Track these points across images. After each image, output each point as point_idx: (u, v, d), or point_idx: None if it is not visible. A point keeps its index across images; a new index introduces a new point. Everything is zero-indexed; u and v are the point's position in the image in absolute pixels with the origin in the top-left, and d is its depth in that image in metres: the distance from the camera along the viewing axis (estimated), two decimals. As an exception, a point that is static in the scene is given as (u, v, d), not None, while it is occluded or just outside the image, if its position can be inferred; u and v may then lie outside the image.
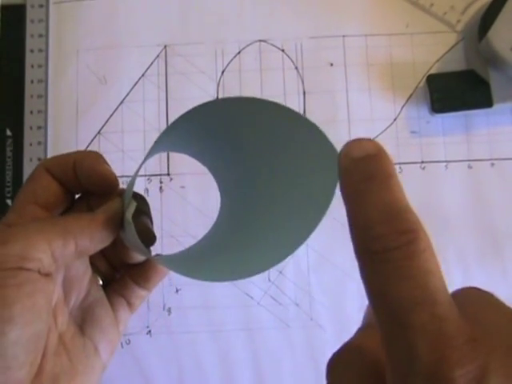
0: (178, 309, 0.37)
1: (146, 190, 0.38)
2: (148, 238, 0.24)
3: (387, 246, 0.16)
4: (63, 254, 0.20)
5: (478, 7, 0.38)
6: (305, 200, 0.23)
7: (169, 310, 0.37)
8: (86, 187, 0.23)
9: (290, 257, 0.36)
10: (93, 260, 0.24)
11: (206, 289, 0.37)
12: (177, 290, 0.37)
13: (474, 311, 0.17)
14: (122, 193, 0.23)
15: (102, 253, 0.24)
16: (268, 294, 0.37)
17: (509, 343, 0.15)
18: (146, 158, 0.21)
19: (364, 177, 0.17)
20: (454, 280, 0.36)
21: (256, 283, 0.37)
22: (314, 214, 0.22)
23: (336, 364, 0.18)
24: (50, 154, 0.38)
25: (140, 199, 0.23)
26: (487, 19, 0.35)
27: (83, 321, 0.23)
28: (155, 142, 0.20)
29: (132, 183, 0.21)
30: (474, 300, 0.18)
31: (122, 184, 0.37)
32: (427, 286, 0.15)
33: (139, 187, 0.37)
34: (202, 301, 0.36)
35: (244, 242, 0.24)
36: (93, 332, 0.23)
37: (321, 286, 0.37)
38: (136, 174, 0.20)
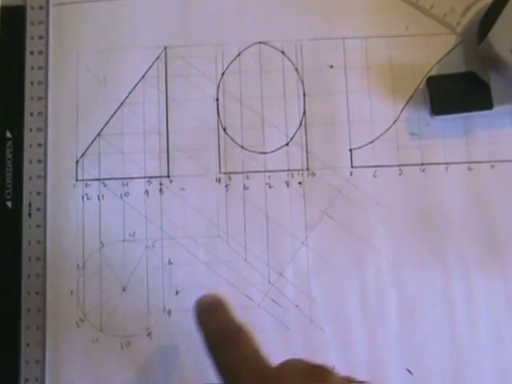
0: (178, 311, 0.37)
1: (146, 191, 0.38)
2: None
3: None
4: None
5: (478, 9, 0.38)
6: None
7: (169, 312, 0.37)
8: None
9: (289, 259, 0.36)
10: None
11: (206, 290, 0.37)
12: (177, 292, 0.37)
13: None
14: None
15: None
16: (268, 296, 0.37)
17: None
18: None
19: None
20: (453, 282, 0.36)
21: (256, 285, 0.37)
22: None
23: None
24: (50, 156, 0.38)
25: None
26: (487, 21, 0.35)
27: None
28: None
29: None
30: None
31: (125, 186, 0.37)
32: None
33: (139, 189, 0.38)
34: (202, 303, 0.36)
35: None
36: None
37: (321, 288, 0.37)
38: None
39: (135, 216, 0.37)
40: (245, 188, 0.38)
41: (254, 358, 0.28)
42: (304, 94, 0.38)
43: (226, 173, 0.38)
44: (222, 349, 0.28)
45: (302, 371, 0.26)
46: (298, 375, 0.26)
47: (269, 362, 0.27)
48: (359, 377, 0.35)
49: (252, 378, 0.26)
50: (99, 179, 0.38)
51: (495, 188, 0.37)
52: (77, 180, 0.38)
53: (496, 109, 0.36)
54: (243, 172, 0.38)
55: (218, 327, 0.30)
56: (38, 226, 0.37)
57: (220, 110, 0.38)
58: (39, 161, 0.38)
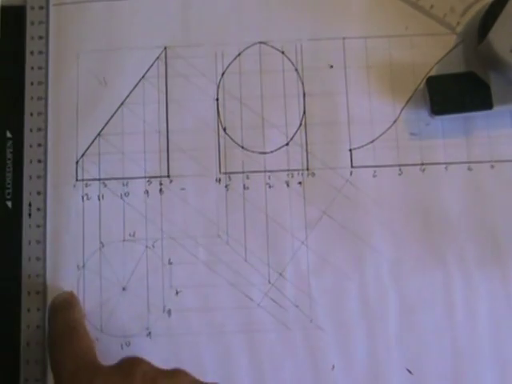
0: (177, 311, 0.37)
1: (146, 191, 0.38)
2: None
3: None
4: None
5: (477, 9, 0.38)
6: None
7: (169, 312, 0.37)
8: None
9: (289, 259, 0.36)
10: None
11: (206, 290, 0.37)
12: (177, 292, 0.37)
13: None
14: None
15: None
16: (268, 296, 0.37)
17: None
18: None
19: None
20: (453, 282, 0.36)
21: (256, 285, 0.37)
22: None
23: None
24: (50, 156, 0.38)
25: None
26: (487, 21, 0.35)
27: None
28: None
29: None
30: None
31: (125, 186, 0.38)
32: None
33: (139, 189, 0.38)
34: (202, 302, 0.37)
35: None
36: None
37: (320, 288, 0.37)
38: None
39: (135, 216, 0.37)
40: (245, 188, 0.38)
41: (80, 353, 0.31)
42: (304, 94, 0.38)
43: (226, 173, 0.38)
44: (56, 343, 0.32)
45: (115, 366, 0.30)
46: (111, 370, 0.30)
47: (95, 358, 0.31)
48: (359, 376, 0.36)
49: (71, 371, 0.30)
50: (99, 179, 0.38)
51: (495, 188, 0.37)
52: (77, 180, 0.38)
53: (496, 109, 0.36)
54: (243, 172, 0.38)
55: (59, 324, 0.33)
56: (38, 226, 0.37)
57: (220, 109, 0.38)
58: (39, 161, 0.38)
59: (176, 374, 0.30)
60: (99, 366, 0.31)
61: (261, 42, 0.39)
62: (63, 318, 0.34)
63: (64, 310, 0.35)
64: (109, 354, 0.36)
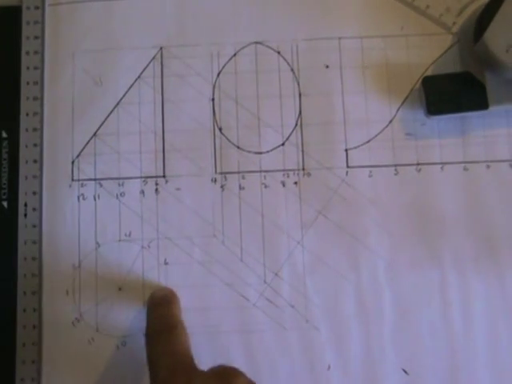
0: (173, 311, 0.37)
1: (142, 191, 0.38)
2: None
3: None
4: None
5: (473, 9, 0.38)
6: None
7: (165, 312, 0.37)
8: None
9: (285, 259, 0.36)
10: None
11: (202, 290, 0.37)
12: (172, 292, 0.37)
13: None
14: None
15: None
16: (264, 296, 0.37)
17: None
18: None
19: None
20: (449, 282, 0.36)
21: (252, 285, 0.37)
22: None
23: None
24: (45, 156, 0.38)
25: None
26: (483, 21, 0.35)
27: None
28: None
29: None
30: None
31: (120, 186, 0.38)
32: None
33: (134, 189, 0.38)
34: (198, 302, 0.37)
35: None
36: None
37: (316, 288, 0.37)
38: None
39: (131, 216, 0.37)
40: (240, 188, 0.38)
41: (178, 353, 0.31)
42: (300, 94, 0.38)
43: (221, 173, 0.38)
44: (154, 340, 0.32)
45: (212, 372, 0.29)
46: (208, 376, 0.29)
47: (192, 360, 0.31)
48: (355, 376, 0.36)
49: (169, 371, 0.29)
50: (95, 179, 0.38)
51: (491, 188, 0.37)
52: (72, 180, 0.38)
53: (491, 109, 0.36)
54: (239, 172, 0.38)
55: (158, 320, 0.33)
56: (33, 226, 0.37)
57: (216, 109, 0.38)
58: (35, 161, 0.38)
59: None
60: (196, 369, 0.30)
61: (256, 42, 0.39)
62: (163, 313, 0.34)
63: (164, 306, 0.34)
64: (105, 353, 0.36)
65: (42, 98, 0.38)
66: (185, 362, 0.30)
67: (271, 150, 0.38)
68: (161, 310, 0.34)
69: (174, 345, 0.31)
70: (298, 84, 0.38)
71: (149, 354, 0.31)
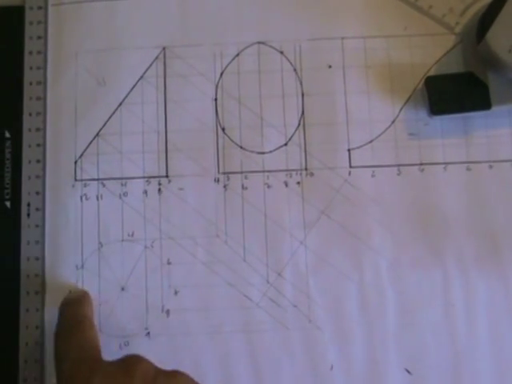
0: (176, 310, 0.37)
1: (145, 191, 0.38)
2: None
3: None
4: None
5: (476, 9, 0.38)
6: None
7: (167, 312, 0.37)
8: None
9: (288, 259, 0.36)
10: None
11: (205, 290, 0.37)
12: (175, 292, 0.37)
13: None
14: None
15: None
16: (266, 296, 0.37)
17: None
18: None
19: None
20: (452, 282, 0.36)
21: (255, 285, 0.37)
22: None
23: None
24: (48, 156, 0.38)
25: None
26: (486, 21, 0.35)
27: None
28: None
29: None
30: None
31: (123, 186, 0.38)
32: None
33: (137, 189, 0.38)
34: (201, 302, 0.37)
35: None
36: None
37: (319, 288, 0.37)
38: None
39: (134, 216, 0.37)
40: (243, 188, 0.38)
41: (83, 346, 0.31)
42: (303, 94, 0.38)
43: (224, 173, 0.38)
44: (61, 337, 0.32)
45: (116, 361, 0.30)
46: (111, 365, 0.30)
47: (99, 353, 0.31)
48: (358, 376, 0.36)
49: (73, 363, 0.30)
50: (98, 179, 0.38)
51: (493, 188, 0.37)
52: (75, 180, 0.38)
53: (494, 109, 0.36)
54: (242, 172, 0.38)
55: (66, 318, 0.33)
56: (36, 226, 0.37)
57: (219, 109, 0.38)
58: (38, 161, 0.38)
59: (176, 374, 0.30)
60: (100, 360, 0.31)
61: (259, 42, 0.39)
62: (72, 313, 0.34)
63: (74, 305, 0.35)
64: (107, 353, 0.36)
65: (45, 98, 0.38)
66: (89, 354, 0.31)
67: (274, 150, 0.38)
68: (70, 310, 0.34)
69: (80, 339, 0.32)
70: (301, 84, 0.38)
71: (55, 351, 0.32)
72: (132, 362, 0.30)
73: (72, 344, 0.31)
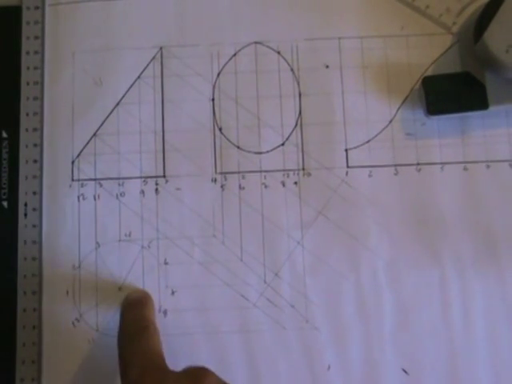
0: (173, 311, 0.37)
1: (142, 191, 0.38)
2: None
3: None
4: None
5: (473, 9, 0.38)
6: None
7: (165, 312, 0.37)
8: None
9: (285, 259, 0.36)
10: None
11: (202, 291, 0.37)
12: (172, 292, 0.37)
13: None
14: None
15: None
16: (264, 296, 0.37)
17: None
18: None
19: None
20: (449, 282, 0.36)
21: (252, 285, 0.37)
22: None
23: None
24: (46, 156, 0.38)
25: None
26: (483, 21, 0.35)
27: None
28: None
29: None
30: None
31: (120, 186, 0.38)
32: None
33: (134, 189, 0.38)
34: (198, 303, 0.37)
35: None
36: None
37: (316, 288, 0.37)
38: None
39: (131, 216, 0.37)
40: (240, 188, 0.38)
41: (149, 353, 0.31)
42: (300, 94, 0.38)
43: (221, 173, 0.38)
44: (126, 340, 0.32)
45: (184, 373, 0.30)
46: (179, 376, 0.30)
47: (163, 360, 0.31)
48: (355, 376, 0.36)
49: (140, 370, 0.30)
50: (95, 179, 0.38)
51: (490, 188, 0.37)
52: (73, 180, 0.38)
53: (491, 109, 0.36)
54: (239, 172, 0.38)
55: (131, 321, 0.33)
56: (33, 226, 0.37)
57: (216, 110, 0.38)
58: (35, 161, 0.38)
59: None
60: (167, 369, 0.30)
61: (256, 42, 0.39)
62: (136, 316, 0.34)
63: (137, 308, 0.35)
64: (105, 353, 0.36)
65: (42, 98, 0.38)
66: (156, 362, 0.31)
67: (271, 150, 0.38)
68: (134, 312, 0.34)
69: (146, 345, 0.31)
70: (298, 84, 0.38)
71: (120, 354, 0.31)
72: (200, 375, 0.30)
73: (137, 350, 0.31)
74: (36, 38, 0.39)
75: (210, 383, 0.29)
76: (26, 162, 0.38)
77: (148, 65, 0.39)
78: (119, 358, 0.31)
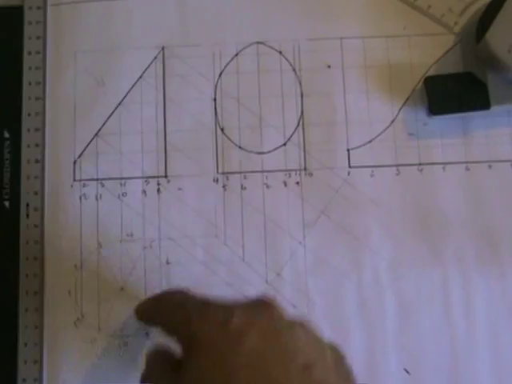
0: (175, 311, 0.37)
1: (144, 191, 0.38)
2: None
3: None
4: None
5: (475, 9, 0.38)
6: None
7: (166, 312, 0.37)
8: None
9: (287, 259, 0.36)
10: None
11: (204, 290, 0.37)
12: (174, 292, 0.37)
13: None
14: None
15: None
16: (265, 296, 0.37)
17: None
18: None
19: None
20: (451, 282, 0.36)
21: (254, 285, 0.37)
22: None
23: None
24: (47, 156, 0.38)
25: None
26: (485, 21, 0.35)
27: None
28: None
29: None
30: None
31: (122, 186, 0.38)
32: None
33: (136, 189, 0.38)
34: (200, 303, 0.36)
35: None
36: None
37: (318, 288, 0.37)
38: None
39: (133, 216, 0.37)
40: (242, 188, 0.38)
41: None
42: (302, 94, 0.38)
43: (223, 173, 0.38)
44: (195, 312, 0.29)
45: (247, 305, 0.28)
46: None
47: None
48: (357, 376, 0.36)
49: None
50: (97, 179, 0.38)
51: (492, 188, 0.37)
52: (74, 180, 0.38)
53: (493, 109, 0.36)
54: (241, 172, 0.38)
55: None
56: (35, 226, 0.37)
57: (218, 109, 0.38)
58: (37, 161, 0.38)
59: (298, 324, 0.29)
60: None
61: (258, 42, 0.39)
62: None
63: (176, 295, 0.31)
64: (107, 354, 0.36)
65: (44, 98, 0.38)
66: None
67: (273, 150, 0.38)
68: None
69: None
70: (300, 84, 0.38)
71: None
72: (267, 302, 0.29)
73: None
74: (38, 38, 0.39)
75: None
76: (28, 162, 0.38)
77: (150, 65, 0.39)
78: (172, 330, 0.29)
